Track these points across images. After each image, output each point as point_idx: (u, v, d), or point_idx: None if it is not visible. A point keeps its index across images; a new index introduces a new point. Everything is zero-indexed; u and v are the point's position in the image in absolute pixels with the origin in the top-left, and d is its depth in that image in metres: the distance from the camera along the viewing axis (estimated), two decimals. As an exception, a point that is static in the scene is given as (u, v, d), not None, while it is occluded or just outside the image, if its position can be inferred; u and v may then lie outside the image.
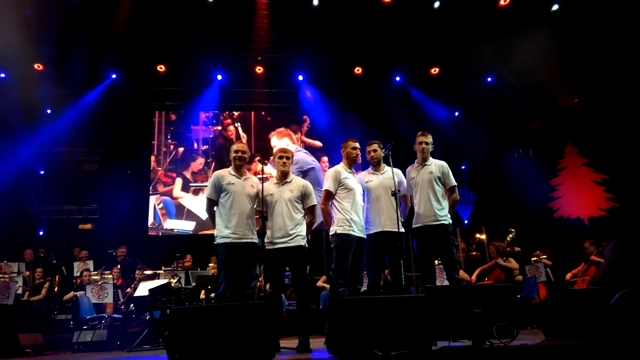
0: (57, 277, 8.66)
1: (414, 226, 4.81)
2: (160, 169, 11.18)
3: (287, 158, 4.65)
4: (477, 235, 9.68)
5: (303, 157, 11.18)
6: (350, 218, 4.49)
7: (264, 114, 11.86)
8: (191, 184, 11.13)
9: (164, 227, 10.83)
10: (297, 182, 4.64)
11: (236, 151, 4.59)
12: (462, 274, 6.90)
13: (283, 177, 4.63)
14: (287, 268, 4.71)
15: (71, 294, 7.75)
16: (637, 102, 9.70)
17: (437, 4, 9.19)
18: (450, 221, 4.74)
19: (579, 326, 1.54)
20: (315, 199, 4.70)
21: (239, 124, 11.63)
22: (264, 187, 4.52)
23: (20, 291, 7.60)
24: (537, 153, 11.51)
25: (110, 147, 10.84)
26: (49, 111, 10.58)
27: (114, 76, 10.74)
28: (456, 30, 9.62)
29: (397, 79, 11.49)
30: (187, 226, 10.83)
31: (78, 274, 8.38)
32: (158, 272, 8.04)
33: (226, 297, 4.29)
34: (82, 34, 9.26)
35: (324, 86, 11.48)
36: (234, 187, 4.46)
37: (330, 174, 4.66)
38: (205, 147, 11.46)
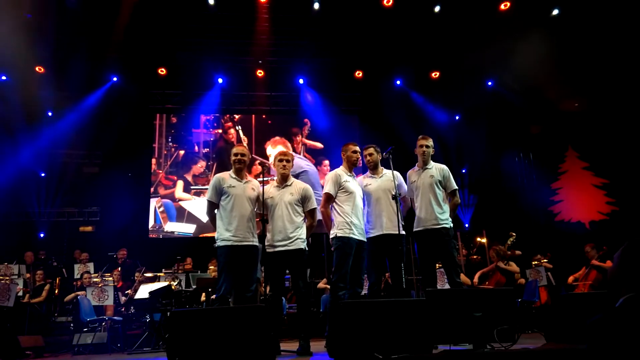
0: (57, 279, 8.65)
1: (415, 229, 4.81)
2: (161, 171, 11.19)
3: (287, 161, 4.65)
4: (478, 239, 9.67)
5: (296, 161, 11.21)
6: (351, 221, 4.49)
7: (264, 117, 11.88)
8: (192, 187, 11.14)
9: (165, 230, 10.84)
10: (298, 186, 4.64)
11: (235, 154, 4.60)
12: (463, 277, 6.89)
13: (283, 180, 4.63)
14: (288, 271, 4.71)
15: (73, 294, 7.73)
16: (637, 106, 9.70)
17: (437, 8, 9.21)
18: (452, 225, 4.74)
19: (580, 330, 1.55)
20: (315, 202, 4.70)
21: (239, 127, 11.65)
22: (264, 190, 4.53)
23: (20, 293, 7.59)
24: (538, 157, 11.52)
25: (111, 150, 10.85)
26: (50, 114, 10.60)
27: (115, 79, 10.77)
28: (457, 35, 9.65)
29: (398, 82, 11.52)
30: (188, 229, 10.84)
31: (78, 276, 8.38)
32: (158, 274, 8.04)
33: (226, 299, 4.29)
34: (83, 36, 9.29)
35: (325, 90, 11.51)
36: (235, 190, 4.47)
37: (330, 177, 4.67)
38: (206, 150, 11.48)
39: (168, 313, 6.05)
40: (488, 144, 11.26)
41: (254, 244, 4.48)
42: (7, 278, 7.50)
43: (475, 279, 7.43)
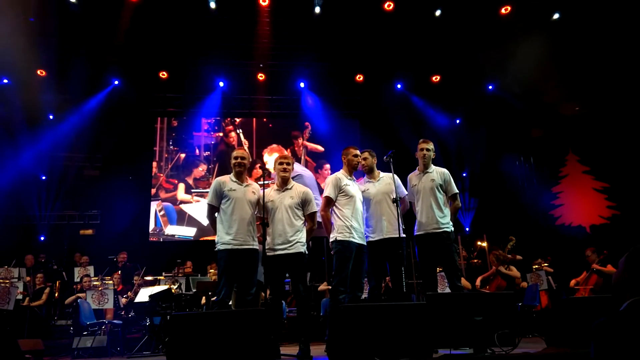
0: (57, 282, 8.65)
1: (416, 233, 4.81)
2: (162, 175, 11.20)
3: (288, 164, 4.65)
4: (479, 243, 9.66)
5: (290, 166, 11.26)
6: (351, 225, 4.49)
7: (265, 120, 11.90)
8: (193, 190, 11.15)
9: (165, 233, 10.83)
10: (298, 189, 4.63)
11: (235, 157, 4.60)
12: (464, 281, 6.88)
13: (284, 184, 4.63)
14: (288, 275, 4.70)
15: (74, 296, 7.72)
16: (637, 110, 9.71)
17: (438, 12, 9.23)
18: (452, 229, 4.73)
19: (581, 334, 1.56)
20: (315, 206, 4.69)
21: (240, 130, 11.67)
22: (264, 194, 4.52)
23: (20, 296, 7.58)
24: (538, 161, 11.53)
25: (111, 153, 10.88)
26: (51, 117, 10.63)
27: (116, 82, 10.80)
28: (457, 39, 9.66)
29: (398, 86, 11.53)
30: (188, 232, 10.84)
31: (78, 280, 8.38)
32: (159, 278, 8.03)
33: (226, 303, 4.28)
34: (85, 40, 9.32)
35: (325, 93, 11.53)
36: (235, 193, 4.46)
37: (330, 181, 4.67)
38: (207, 153, 11.49)
39: (168, 317, 6.05)
40: (488, 147, 11.27)
41: (254, 247, 4.47)
42: (7, 281, 7.50)
43: (478, 283, 7.42)
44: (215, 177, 4.79)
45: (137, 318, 7.51)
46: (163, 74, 10.89)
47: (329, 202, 4.61)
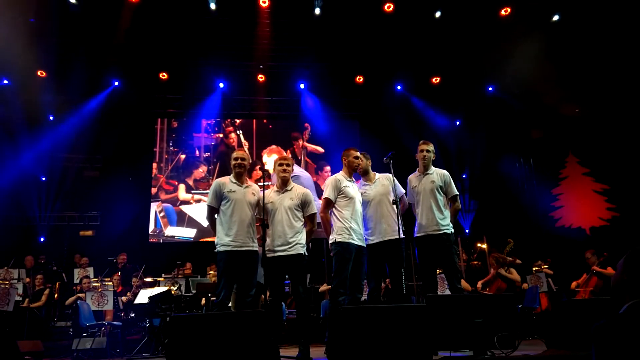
0: (57, 284, 8.64)
1: (416, 235, 4.80)
2: (162, 176, 11.20)
3: (288, 165, 4.65)
4: (479, 245, 9.65)
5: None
6: (350, 226, 4.48)
7: (265, 121, 11.90)
8: (193, 191, 11.15)
9: (165, 234, 10.83)
10: (298, 190, 4.63)
11: (235, 159, 4.59)
12: (464, 283, 6.87)
13: (283, 185, 4.62)
14: (287, 276, 4.69)
15: (74, 297, 7.71)
16: (637, 112, 9.71)
17: (438, 14, 9.23)
18: (452, 230, 4.73)
19: (582, 337, 1.56)
20: (315, 207, 4.69)
21: (240, 131, 11.67)
22: (264, 195, 4.52)
23: (19, 298, 7.57)
24: (538, 162, 11.52)
25: (111, 154, 10.88)
26: (51, 118, 10.64)
27: (116, 83, 10.80)
28: (457, 40, 9.67)
29: (398, 87, 11.53)
30: (188, 233, 10.83)
31: (78, 281, 8.37)
32: (158, 279, 8.03)
33: (226, 305, 4.28)
34: (85, 41, 9.32)
35: (325, 95, 11.53)
36: (235, 194, 4.46)
37: (330, 182, 4.66)
38: (207, 154, 11.49)
39: (167, 318, 6.04)
40: (488, 149, 11.27)
41: (254, 249, 4.46)
42: (7, 282, 7.49)
43: (479, 286, 7.42)
44: (216, 179, 4.78)
45: (136, 319, 7.50)
46: (163, 75, 10.89)
47: (329, 204, 4.60)
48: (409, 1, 9.10)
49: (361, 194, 4.80)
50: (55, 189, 10.67)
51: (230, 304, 4.69)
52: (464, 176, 11.76)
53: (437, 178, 4.80)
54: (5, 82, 9.90)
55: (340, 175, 4.73)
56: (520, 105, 10.76)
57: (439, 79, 11.32)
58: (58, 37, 9.06)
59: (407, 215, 5.00)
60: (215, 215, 4.55)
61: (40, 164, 10.56)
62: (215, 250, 4.42)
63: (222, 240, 4.38)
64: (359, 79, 11.29)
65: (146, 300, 6.73)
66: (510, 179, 11.52)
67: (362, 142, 11.31)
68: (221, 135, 11.66)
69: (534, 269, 8.10)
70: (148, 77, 10.89)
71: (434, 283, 4.76)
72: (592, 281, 7.37)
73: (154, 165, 11.27)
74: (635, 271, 1.59)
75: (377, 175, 4.88)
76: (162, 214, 10.92)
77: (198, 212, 10.88)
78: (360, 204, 4.69)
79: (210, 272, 8.04)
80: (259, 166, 11.14)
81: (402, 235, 4.46)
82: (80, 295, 7.59)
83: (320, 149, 11.73)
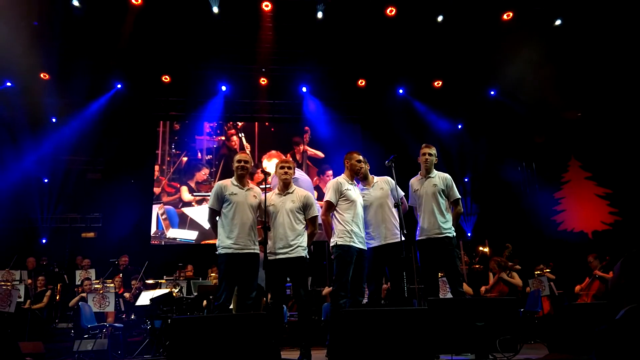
0: (58, 285, 8.65)
1: (417, 238, 4.79)
2: (164, 178, 11.21)
3: (289, 168, 4.65)
4: (480, 248, 9.64)
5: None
6: (351, 229, 4.47)
7: (267, 124, 11.92)
8: (195, 194, 11.17)
9: (167, 237, 10.84)
10: (299, 193, 4.62)
11: (239, 161, 4.59)
12: (466, 287, 6.85)
13: (285, 188, 4.63)
14: (289, 279, 4.69)
15: (78, 297, 7.72)
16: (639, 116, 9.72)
17: (440, 18, 9.25)
18: (454, 234, 4.72)
19: (583, 341, 1.54)
20: (317, 210, 4.68)
21: (242, 134, 11.70)
22: (266, 198, 4.52)
23: (21, 299, 7.58)
24: (541, 166, 11.51)
25: (114, 157, 10.90)
26: (54, 120, 10.67)
27: (119, 86, 10.83)
28: (459, 44, 9.68)
29: (400, 91, 11.54)
30: (190, 235, 10.84)
31: (79, 283, 8.38)
32: (160, 281, 8.03)
33: (227, 307, 4.27)
34: (88, 44, 9.36)
35: (327, 98, 11.56)
36: (237, 197, 4.46)
37: (331, 185, 4.65)
38: (209, 156, 11.52)
39: (169, 320, 6.04)
40: (491, 152, 11.27)
41: (255, 251, 4.46)
42: (9, 284, 7.50)
43: (482, 290, 7.40)
44: (217, 181, 4.78)
45: (138, 321, 7.50)
46: (166, 78, 10.93)
47: (330, 207, 4.60)
48: (411, 5, 9.13)
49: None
50: (58, 191, 10.70)
51: (231, 307, 4.69)
52: (466, 180, 11.75)
53: (439, 181, 4.79)
54: (9, 84, 9.94)
55: (342, 178, 4.73)
56: (522, 110, 10.76)
57: (441, 82, 11.33)
58: (61, 40, 9.10)
59: (409, 218, 4.99)
60: (217, 218, 4.56)
61: (42, 166, 10.59)
62: (217, 253, 4.42)
63: (224, 242, 4.38)
64: (361, 82, 11.30)
65: (147, 302, 6.73)
66: (512, 183, 11.51)
67: (363, 145, 11.32)
68: (223, 138, 11.68)
69: (536, 272, 8.09)
70: (151, 80, 10.92)
71: (435, 286, 4.74)
72: (595, 285, 7.36)
73: (156, 167, 11.29)
74: (633, 275, 1.56)
75: (376, 178, 4.87)
76: (164, 216, 10.94)
77: (200, 214, 10.89)
78: (361, 207, 4.69)
79: (212, 274, 8.04)
80: (260, 169, 11.15)
81: (402, 238, 4.45)
82: (83, 295, 7.59)
83: (321, 154, 11.75)
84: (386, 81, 11.25)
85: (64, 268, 9.58)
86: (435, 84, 11.37)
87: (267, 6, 9.00)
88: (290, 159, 4.96)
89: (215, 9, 8.85)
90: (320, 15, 9.12)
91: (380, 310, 3.64)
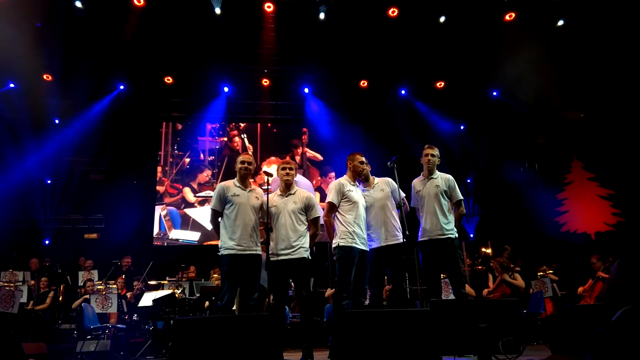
0: (61, 286, 8.66)
1: (420, 240, 4.78)
2: (166, 179, 11.23)
3: (291, 169, 4.65)
4: (483, 249, 9.62)
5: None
6: (353, 231, 4.47)
7: (269, 125, 11.94)
8: (197, 195, 11.18)
9: (170, 237, 10.85)
10: (301, 194, 4.63)
11: (242, 162, 4.60)
12: (468, 288, 6.85)
13: (287, 189, 4.63)
14: (291, 280, 4.69)
15: (81, 299, 7.74)
16: (643, 117, 9.69)
17: (442, 19, 9.24)
18: (457, 235, 4.71)
19: (586, 342, 1.52)
20: (319, 211, 4.68)
21: (245, 135, 11.71)
22: (268, 199, 4.53)
23: (24, 300, 7.60)
24: (543, 167, 11.49)
25: (116, 158, 10.93)
26: (56, 121, 10.69)
27: (121, 87, 10.85)
28: (462, 44, 9.67)
29: (403, 92, 11.53)
30: (193, 236, 10.85)
31: (82, 284, 8.40)
32: (162, 282, 8.04)
33: (229, 308, 4.28)
34: (91, 45, 9.38)
35: (329, 99, 11.55)
36: (239, 198, 4.46)
37: (334, 186, 4.65)
38: (212, 157, 11.53)
39: (171, 321, 6.04)
40: (493, 153, 11.25)
41: (258, 253, 4.46)
42: (12, 285, 7.52)
43: (484, 293, 7.39)
44: (220, 182, 4.78)
45: (140, 322, 7.51)
46: (168, 79, 10.94)
47: (332, 208, 4.60)
48: (413, 6, 9.12)
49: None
50: (61, 192, 10.72)
51: (233, 308, 4.69)
52: (469, 181, 11.74)
53: (441, 182, 4.78)
54: (12, 85, 9.97)
55: (344, 179, 4.72)
56: (525, 110, 10.74)
57: (443, 83, 11.32)
58: (64, 41, 9.11)
59: (412, 219, 4.98)
60: (219, 219, 4.56)
61: (45, 167, 10.61)
62: (219, 254, 4.43)
63: (226, 243, 4.39)
64: (363, 83, 11.30)
65: (150, 303, 6.74)
66: (514, 184, 11.49)
67: (365, 146, 11.32)
68: (225, 139, 11.70)
69: (538, 274, 8.07)
70: (153, 81, 10.94)
71: (438, 287, 4.74)
72: (598, 287, 7.34)
73: (159, 168, 11.31)
74: (630, 275, 1.53)
75: (376, 179, 4.87)
76: (166, 217, 10.95)
77: (202, 215, 10.91)
78: (363, 208, 4.68)
79: (214, 275, 8.05)
80: (263, 170, 11.15)
81: (403, 240, 4.44)
82: (87, 297, 7.61)
83: (319, 156, 11.77)
84: (388, 82, 11.24)
85: (66, 269, 9.60)
86: (438, 84, 11.36)
87: (269, 7, 9.01)
88: (292, 161, 4.95)
89: (218, 10, 8.86)
90: (322, 16, 9.12)
91: (383, 312, 3.64)
